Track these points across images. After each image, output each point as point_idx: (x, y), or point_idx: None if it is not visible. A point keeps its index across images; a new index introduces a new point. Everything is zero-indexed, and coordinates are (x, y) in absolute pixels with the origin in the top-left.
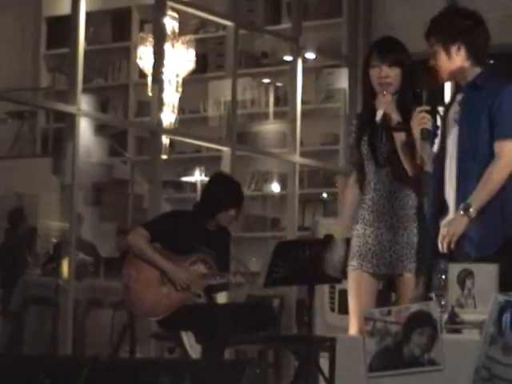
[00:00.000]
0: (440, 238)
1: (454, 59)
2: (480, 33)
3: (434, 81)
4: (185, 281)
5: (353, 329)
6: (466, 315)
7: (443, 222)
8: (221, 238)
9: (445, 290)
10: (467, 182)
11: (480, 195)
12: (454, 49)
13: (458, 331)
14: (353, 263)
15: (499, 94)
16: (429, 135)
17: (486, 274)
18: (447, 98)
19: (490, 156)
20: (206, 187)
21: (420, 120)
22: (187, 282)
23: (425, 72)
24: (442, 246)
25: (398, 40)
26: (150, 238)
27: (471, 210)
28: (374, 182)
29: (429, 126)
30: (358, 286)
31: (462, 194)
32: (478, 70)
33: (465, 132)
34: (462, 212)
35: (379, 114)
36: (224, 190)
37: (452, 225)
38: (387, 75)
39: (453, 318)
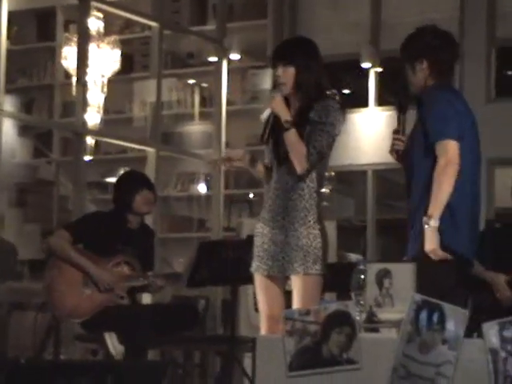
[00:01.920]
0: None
1: (418, 75)
2: (445, 51)
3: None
4: (108, 283)
5: (263, 329)
6: (384, 314)
7: None
8: (144, 237)
9: (363, 289)
10: (413, 194)
11: (437, 201)
12: (417, 64)
13: (375, 330)
14: (253, 264)
15: (422, 102)
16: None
17: (404, 273)
18: (371, 100)
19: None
20: (115, 185)
21: (393, 142)
22: (110, 284)
23: (348, 73)
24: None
25: (302, 39)
26: (72, 239)
27: (432, 221)
28: (275, 180)
29: (401, 147)
30: (261, 287)
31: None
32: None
33: (415, 146)
34: (427, 227)
35: (265, 114)
36: (128, 179)
37: (428, 242)
38: (279, 75)
39: (371, 317)
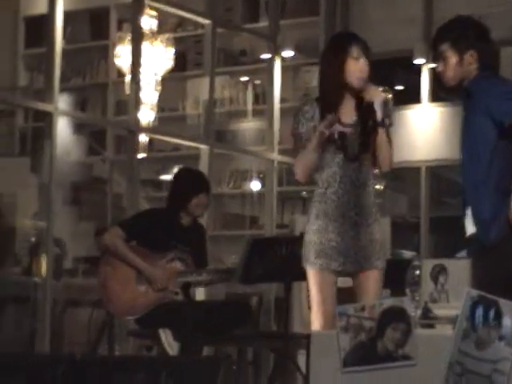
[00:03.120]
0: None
1: (466, 66)
2: (489, 41)
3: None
4: (161, 281)
5: (316, 325)
6: (439, 310)
7: None
8: (196, 234)
9: (418, 285)
10: (470, 188)
11: None
12: (467, 56)
13: (431, 326)
14: (318, 261)
15: (481, 92)
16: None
17: (459, 269)
18: (424, 96)
19: (492, 158)
20: (172, 182)
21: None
22: (163, 283)
23: (401, 70)
24: None
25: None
26: (126, 237)
27: None
28: (340, 175)
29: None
30: (322, 284)
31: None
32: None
33: (466, 139)
34: None
35: (380, 109)
36: (188, 179)
37: None
38: (367, 70)
39: (426, 313)
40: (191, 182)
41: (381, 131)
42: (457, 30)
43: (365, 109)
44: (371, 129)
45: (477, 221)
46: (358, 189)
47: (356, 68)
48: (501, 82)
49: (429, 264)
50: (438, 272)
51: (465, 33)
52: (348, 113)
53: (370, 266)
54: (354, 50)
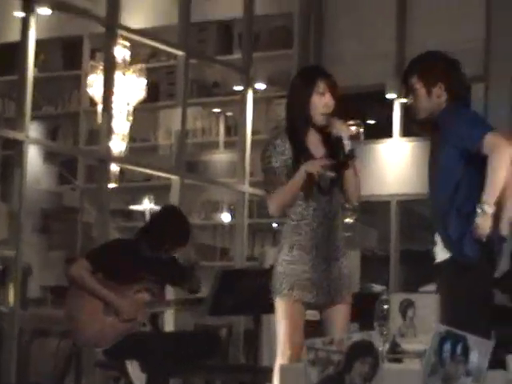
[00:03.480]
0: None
1: (434, 99)
2: (459, 74)
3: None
4: (129, 312)
5: (284, 358)
6: (407, 345)
7: None
8: (165, 264)
9: (387, 319)
10: (438, 216)
11: (490, 190)
12: (435, 89)
13: (399, 360)
14: (292, 293)
15: (447, 123)
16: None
17: (427, 303)
18: (396, 130)
19: (460, 186)
20: (155, 220)
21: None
22: (131, 314)
23: (373, 104)
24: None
25: None
26: (93, 268)
27: (487, 207)
28: (313, 207)
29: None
30: (294, 316)
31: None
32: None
33: (434, 170)
34: (479, 211)
35: (347, 143)
36: (176, 232)
37: (478, 225)
38: (332, 105)
39: (394, 347)
40: (176, 236)
41: (350, 164)
42: (425, 63)
43: (334, 143)
44: (342, 163)
45: (449, 244)
46: (329, 222)
47: (321, 103)
48: (468, 112)
49: (397, 298)
50: (406, 306)
51: (433, 65)
52: (315, 146)
53: (339, 300)
54: (320, 85)
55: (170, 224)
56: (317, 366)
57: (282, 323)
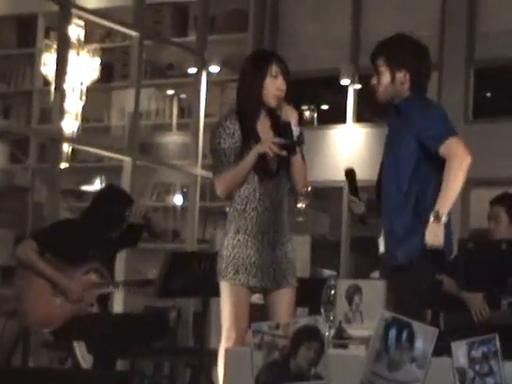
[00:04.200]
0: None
1: (397, 85)
2: (425, 62)
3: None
4: (76, 292)
5: (228, 342)
6: (353, 330)
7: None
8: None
9: (333, 304)
10: (387, 206)
11: (447, 197)
12: (399, 75)
13: (344, 346)
14: (237, 277)
15: (418, 118)
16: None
17: (374, 289)
18: (349, 115)
19: (413, 179)
20: (98, 200)
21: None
22: (79, 294)
23: (327, 89)
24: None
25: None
26: (40, 249)
27: (442, 216)
28: (260, 192)
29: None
30: (239, 300)
31: (384, 218)
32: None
33: (391, 160)
34: (433, 219)
35: (296, 128)
36: (116, 210)
37: (430, 232)
38: (284, 88)
39: (340, 333)
40: (120, 212)
41: (298, 149)
42: (393, 47)
43: (282, 128)
44: (290, 148)
45: (387, 241)
46: (276, 206)
47: (274, 86)
48: (434, 105)
49: (344, 284)
50: (353, 292)
51: (401, 51)
52: (264, 130)
53: (285, 284)
54: (273, 69)
55: (113, 203)
56: (262, 350)
57: (226, 307)
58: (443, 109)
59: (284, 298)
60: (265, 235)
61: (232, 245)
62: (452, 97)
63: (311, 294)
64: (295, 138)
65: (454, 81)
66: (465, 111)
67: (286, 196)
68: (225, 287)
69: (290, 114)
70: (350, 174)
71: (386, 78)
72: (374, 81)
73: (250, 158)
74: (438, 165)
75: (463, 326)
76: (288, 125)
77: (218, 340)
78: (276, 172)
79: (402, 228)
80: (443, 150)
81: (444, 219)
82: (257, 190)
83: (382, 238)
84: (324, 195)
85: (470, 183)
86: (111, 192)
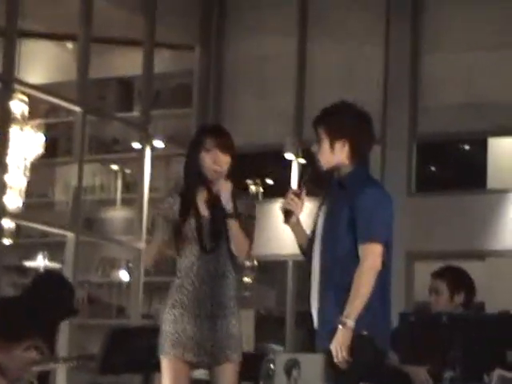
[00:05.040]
0: (334, 359)
1: (337, 154)
2: (366, 132)
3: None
4: (15, 371)
5: None
6: None
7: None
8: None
9: (272, 378)
10: (327, 284)
11: (354, 304)
12: (339, 144)
13: None
14: (173, 351)
15: (357, 197)
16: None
17: (313, 363)
18: (294, 187)
19: (349, 258)
20: (37, 285)
21: (286, 201)
22: (18, 373)
23: (271, 163)
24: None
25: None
26: None
27: (349, 322)
28: (197, 266)
29: (293, 208)
30: (176, 375)
31: (321, 295)
32: (349, 167)
33: (327, 231)
34: (341, 327)
35: (227, 201)
36: (55, 301)
37: (338, 340)
38: (223, 161)
39: None
40: (59, 304)
41: (231, 222)
42: (334, 116)
43: (212, 201)
44: (221, 220)
45: (324, 315)
46: (215, 280)
47: (210, 160)
48: (376, 195)
49: (282, 357)
50: (292, 366)
51: (341, 121)
52: (203, 205)
53: (225, 360)
54: (207, 142)
55: (55, 292)
56: None
57: (165, 382)
58: (383, 191)
59: (225, 374)
60: (202, 310)
61: (169, 320)
62: (395, 170)
63: (254, 369)
64: (227, 210)
65: (397, 154)
66: (408, 184)
67: (229, 270)
68: (164, 362)
69: (221, 187)
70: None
71: (325, 145)
72: (314, 148)
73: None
74: None
75: None
76: (218, 197)
77: None
78: (213, 246)
79: (330, 311)
80: (363, 248)
81: (351, 325)
82: (195, 263)
83: (315, 308)
84: (269, 269)
85: (413, 256)
86: (51, 280)
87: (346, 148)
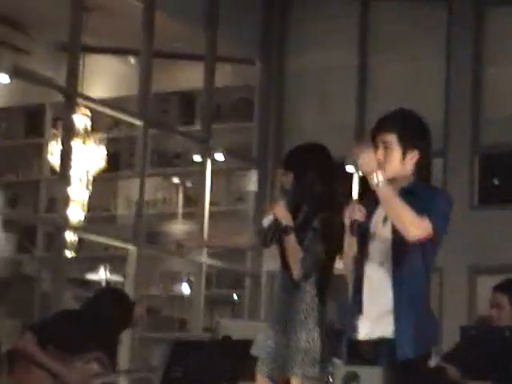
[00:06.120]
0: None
1: (407, 164)
2: (430, 145)
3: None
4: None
5: None
6: None
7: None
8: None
9: None
10: (401, 289)
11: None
12: (410, 155)
13: None
14: (258, 365)
15: (434, 198)
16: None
17: (371, 377)
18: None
19: (422, 267)
20: (97, 300)
21: (351, 211)
22: None
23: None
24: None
25: (316, 147)
26: (39, 341)
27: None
28: (279, 283)
29: (360, 217)
30: None
31: (398, 303)
32: (411, 178)
33: (398, 240)
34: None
35: (268, 219)
36: (115, 315)
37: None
38: (285, 181)
39: None
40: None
41: (285, 239)
42: (407, 125)
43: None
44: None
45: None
46: (289, 296)
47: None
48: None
49: (341, 370)
50: (351, 379)
51: (414, 129)
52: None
53: (291, 374)
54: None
55: (112, 307)
56: None
57: None
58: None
59: None
60: (279, 325)
61: (262, 336)
62: (457, 183)
63: None
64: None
65: (460, 167)
66: (470, 197)
67: (300, 285)
68: None
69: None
70: None
71: (396, 155)
72: (379, 157)
73: None
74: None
75: None
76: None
77: None
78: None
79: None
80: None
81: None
82: (278, 282)
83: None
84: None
85: (476, 270)
86: (111, 294)
87: (415, 160)
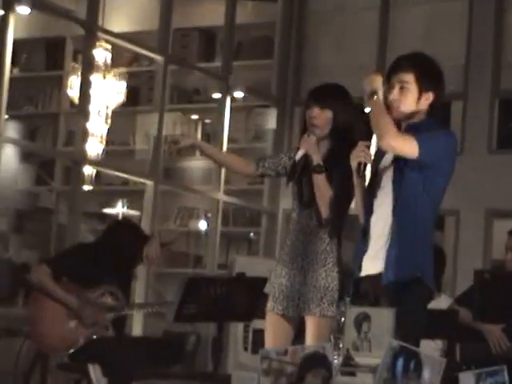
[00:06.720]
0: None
1: (421, 104)
2: (444, 89)
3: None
4: (90, 316)
5: None
6: (361, 358)
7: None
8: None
9: (342, 331)
10: (402, 214)
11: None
12: (426, 95)
13: (352, 374)
14: (270, 304)
15: (435, 132)
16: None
17: (383, 318)
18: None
19: (423, 193)
20: (111, 232)
21: (358, 153)
22: (93, 318)
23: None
24: None
25: (339, 87)
26: (55, 273)
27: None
28: (295, 221)
29: (367, 160)
30: (272, 328)
31: (396, 227)
32: (423, 117)
33: (403, 177)
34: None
35: (299, 155)
36: (128, 245)
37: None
38: (316, 116)
39: (348, 360)
40: (132, 248)
41: (314, 177)
42: (426, 66)
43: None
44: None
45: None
46: (307, 235)
47: (307, 115)
48: (456, 140)
49: (353, 311)
50: (362, 320)
51: (431, 72)
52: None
53: (308, 313)
54: (309, 99)
55: (125, 238)
56: (270, 376)
57: (265, 334)
58: (454, 138)
59: (308, 327)
60: (294, 264)
61: (274, 275)
62: (476, 126)
63: None
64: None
65: (479, 111)
66: (489, 141)
67: (322, 225)
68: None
69: (303, 142)
70: None
71: (412, 95)
72: (394, 95)
73: None
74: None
75: (480, 358)
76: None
77: (235, 365)
78: (309, 202)
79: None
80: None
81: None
82: (295, 218)
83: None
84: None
85: (493, 214)
86: (124, 227)
87: (429, 101)
